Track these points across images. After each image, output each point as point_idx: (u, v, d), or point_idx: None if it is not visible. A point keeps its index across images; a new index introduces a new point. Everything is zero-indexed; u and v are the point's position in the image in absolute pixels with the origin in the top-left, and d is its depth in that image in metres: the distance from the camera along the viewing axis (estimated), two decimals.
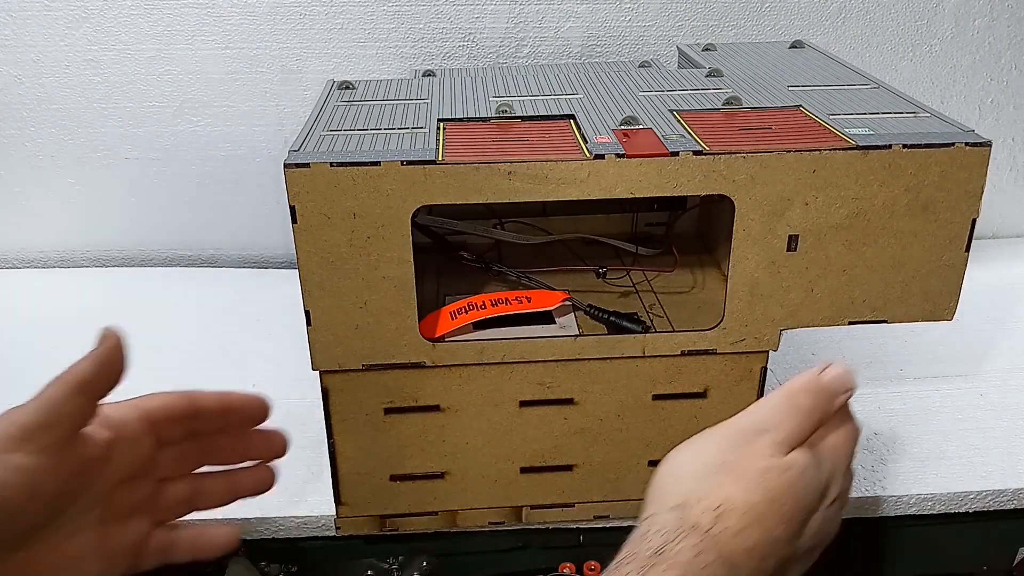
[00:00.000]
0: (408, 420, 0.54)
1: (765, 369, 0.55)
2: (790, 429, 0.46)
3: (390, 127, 0.52)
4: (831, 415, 0.47)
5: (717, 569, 0.41)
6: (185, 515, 0.52)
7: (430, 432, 0.54)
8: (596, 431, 0.55)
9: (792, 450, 0.46)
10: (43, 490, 0.45)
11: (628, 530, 0.57)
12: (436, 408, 0.54)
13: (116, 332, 0.46)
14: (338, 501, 0.56)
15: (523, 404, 0.54)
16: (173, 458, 0.51)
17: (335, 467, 0.55)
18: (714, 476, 0.45)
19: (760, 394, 0.55)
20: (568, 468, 0.56)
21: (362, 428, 0.54)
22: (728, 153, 0.48)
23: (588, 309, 0.56)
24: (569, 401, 0.54)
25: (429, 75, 0.67)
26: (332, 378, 0.52)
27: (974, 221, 0.51)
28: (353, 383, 0.52)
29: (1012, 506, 0.60)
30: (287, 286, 0.51)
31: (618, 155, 0.47)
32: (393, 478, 0.55)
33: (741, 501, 0.43)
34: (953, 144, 0.49)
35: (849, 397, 0.47)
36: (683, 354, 0.53)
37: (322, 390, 0.53)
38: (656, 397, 0.54)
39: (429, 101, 0.57)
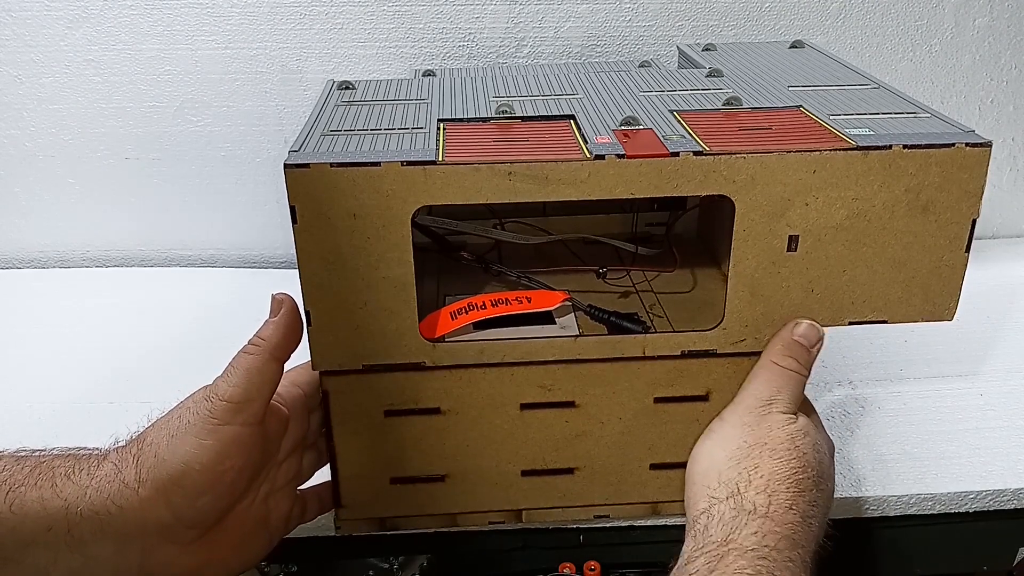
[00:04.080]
0: (408, 423, 0.54)
1: None
2: (790, 392, 0.51)
3: (390, 127, 0.52)
4: (812, 367, 0.52)
5: (783, 548, 0.44)
6: (311, 476, 0.56)
7: (430, 435, 0.54)
8: (598, 434, 0.55)
9: (798, 411, 0.51)
10: (253, 459, 0.48)
11: (629, 530, 0.58)
12: (436, 411, 0.53)
13: (288, 297, 0.50)
14: (338, 504, 0.55)
15: (524, 407, 0.54)
16: (314, 427, 0.55)
17: (335, 470, 0.54)
18: (748, 458, 0.48)
19: None
20: (569, 471, 0.56)
21: (362, 431, 0.53)
22: (728, 153, 0.48)
23: (588, 309, 0.56)
24: (570, 404, 0.54)
25: (429, 75, 0.67)
26: (332, 380, 0.52)
27: (974, 221, 0.51)
28: (353, 386, 0.52)
29: (1012, 506, 0.60)
30: (287, 286, 0.51)
31: (618, 155, 0.47)
32: (393, 481, 0.55)
33: (782, 474, 0.47)
34: (953, 144, 0.49)
35: (822, 347, 0.52)
36: (683, 354, 0.53)
37: (322, 393, 0.52)
38: (658, 400, 0.54)
39: (429, 101, 0.57)
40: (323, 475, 0.56)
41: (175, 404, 0.48)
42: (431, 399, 0.53)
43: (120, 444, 0.47)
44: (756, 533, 0.44)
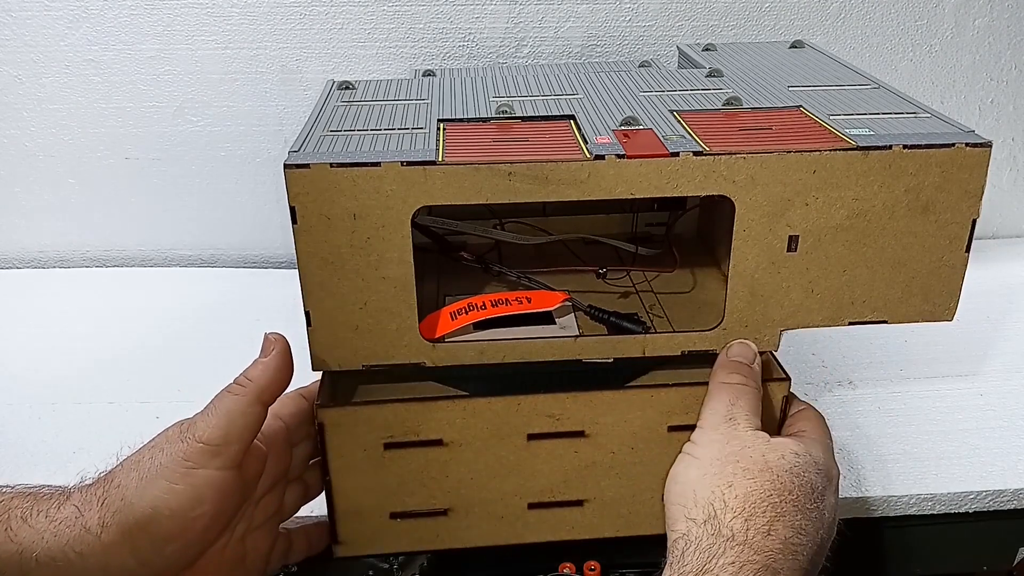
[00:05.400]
0: (409, 455, 0.52)
1: (787, 398, 0.53)
2: (746, 404, 0.50)
3: (390, 127, 0.52)
4: (759, 380, 0.51)
5: None
6: (296, 512, 0.53)
7: (432, 467, 0.52)
8: (608, 464, 0.53)
9: (761, 425, 0.50)
10: (229, 505, 0.45)
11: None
12: (439, 443, 0.52)
13: (281, 337, 0.47)
14: (335, 540, 0.54)
15: (531, 437, 0.52)
16: (297, 461, 0.52)
17: (331, 505, 0.52)
18: (721, 475, 0.47)
19: (782, 421, 0.54)
20: (579, 503, 0.54)
21: (360, 465, 0.52)
22: (728, 154, 0.48)
23: (588, 310, 0.56)
24: (580, 434, 0.52)
25: (429, 75, 0.67)
26: (329, 413, 0.50)
27: (974, 221, 0.51)
28: (351, 418, 0.50)
29: (1012, 506, 0.60)
30: (287, 286, 0.51)
31: (618, 156, 0.47)
32: (393, 516, 0.53)
33: (758, 495, 0.45)
34: (953, 144, 0.49)
35: (759, 361, 0.52)
36: (684, 355, 0.53)
37: (317, 426, 0.50)
38: (672, 428, 0.52)
39: (429, 101, 0.57)
40: (309, 510, 0.55)
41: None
42: (433, 430, 0.51)
43: (86, 483, 0.45)
44: (733, 563, 0.42)
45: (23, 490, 0.44)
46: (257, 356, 0.47)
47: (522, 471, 0.53)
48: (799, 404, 0.55)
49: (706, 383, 0.51)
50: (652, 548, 0.57)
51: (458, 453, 0.52)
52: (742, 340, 0.53)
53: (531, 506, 0.54)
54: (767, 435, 0.49)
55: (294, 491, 0.53)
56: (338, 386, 0.53)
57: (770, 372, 0.54)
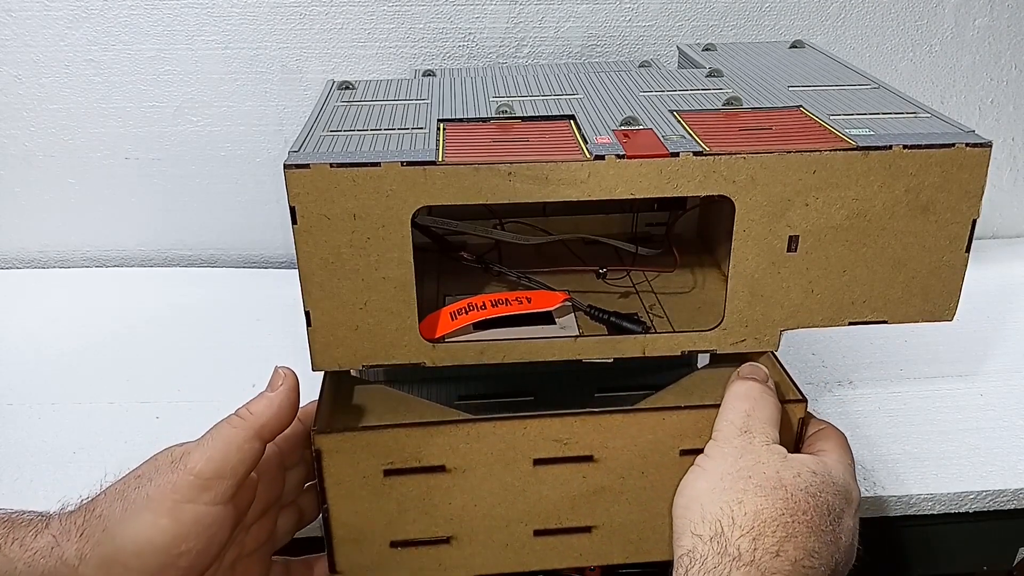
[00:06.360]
0: (410, 482, 0.50)
1: (804, 420, 0.52)
2: (763, 415, 0.48)
3: (390, 127, 0.52)
4: (775, 392, 0.50)
5: None
6: (290, 539, 0.52)
7: (435, 494, 0.51)
8: (618, 490, 0.52)
9: (779, 440, 0.48)
10: (217, 540, 0.43)
11: None
12: (441, 468, 0.50)
13: (291, 372, 0.46)
14: (332, 569, 0.52)
15: (537, 462, 0.50)
16: (291, 485, 0.51)
17: (329, 534, 0.51)
18: (731, 491, 0.45)
19: (799, 443, 0.52)
20: (587, 530, 0.53)
21: (359, 492, 0.50)
22: (728, 154, 0.48)
23: (588, 310, 0.56)
24: (588, 458, 0.51)
25: (429, 75, 0.67)
26: (326, 439, 0.48)
27: (974, 221, 0.51)
28: (350, 444, 0.49)
29: (1012, 506, 0.60)
30: (287, 286, 0.51)
31: (618, 156, 0.47)
32: (394, 544, 0.52)
33: (768, 514, 0.43)
34: (953, 144, 0.49)
35: (772, 381, 0.51)
36: (684, 355, 0.53)
37: (314, 452, 0.48)
38: (684, 452, 0.51)
39: (429, 101, 0.57)
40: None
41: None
42: (435, 456, 0.50)
43: (67, 510, 0.43)
44: None
45: (1, 515, 0.43)
46: (264, 389, 0.46)
47: (528, 497, 0.51)
48: (819, 423, 0.53)
49: (718, 405, 0.50)
50: None
51: (461, 479, 0.50)
52: (752, 363, 0.52)
53: (537, 533, 0.52)
54: (784, 450, 0.47)
55: (288, 516, 0.51)
56: (336, 410, 0.52)
57: (786, 393, 0.52)
